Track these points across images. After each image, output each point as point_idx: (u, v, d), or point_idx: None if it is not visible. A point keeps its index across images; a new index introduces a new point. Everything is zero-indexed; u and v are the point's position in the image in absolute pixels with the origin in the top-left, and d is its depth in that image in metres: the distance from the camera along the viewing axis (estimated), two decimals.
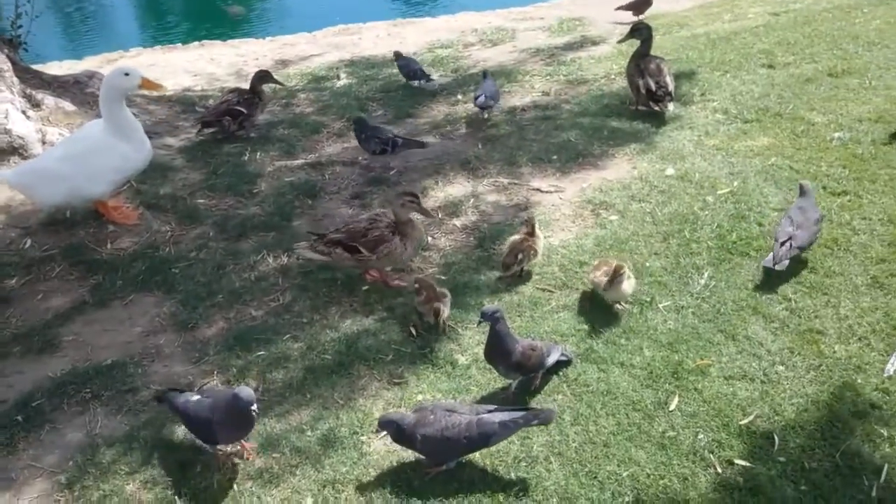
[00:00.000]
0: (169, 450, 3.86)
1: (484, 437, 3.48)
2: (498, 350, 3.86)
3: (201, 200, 6.14)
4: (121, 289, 5.11)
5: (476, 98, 7.28)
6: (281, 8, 17.92)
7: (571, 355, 4.24)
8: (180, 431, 3.96)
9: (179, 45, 11.99)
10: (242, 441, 3.78)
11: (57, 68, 10.13)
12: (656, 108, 7.04)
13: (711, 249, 5.11)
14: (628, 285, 4.54)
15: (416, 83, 8.49)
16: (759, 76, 7.82)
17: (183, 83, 9.80)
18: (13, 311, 4.99)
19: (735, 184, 5.82)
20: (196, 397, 3.73)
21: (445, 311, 4.54)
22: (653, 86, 7.03)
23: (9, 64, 6.61)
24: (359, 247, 4.80)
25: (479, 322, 3.92)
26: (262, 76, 7.24)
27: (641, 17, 10.63)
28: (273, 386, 4.22)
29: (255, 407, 3.48)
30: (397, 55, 8.78)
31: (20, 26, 7.77)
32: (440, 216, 5.76)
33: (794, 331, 4.36)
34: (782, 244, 4.66)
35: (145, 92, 7.12)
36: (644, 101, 7.13)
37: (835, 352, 4.19)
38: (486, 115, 7.41)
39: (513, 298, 4.82)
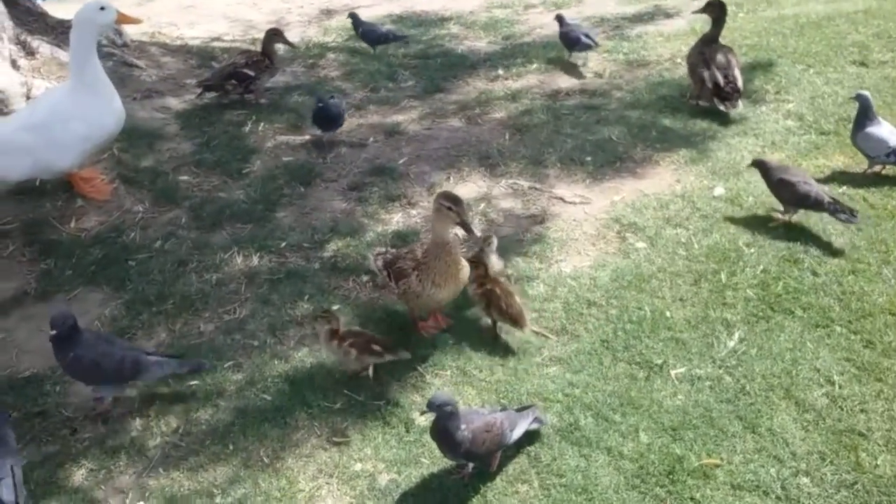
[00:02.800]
0: (58, 499, 3.31)
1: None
2: (443, 439, 3.14)
3: (184, 177, 5.52)
4: (69, 279, 4.57)
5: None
6: None
7: (545, 419, 3.50)
8: (78, 476, 3.41)
9: None
10: None
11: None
12: (721, 108, 6.04)
13: (749, 302, 4.22)
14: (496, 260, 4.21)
15: (581, 54, 7.26)
16: (847, 75, 6.68)
17: (215, 30, 9.18)
18: None
19: (794, 215, 4.86)
20: None
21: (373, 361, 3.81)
22: (721, 80, 6.04)
23: (2, 6, 6.05)
24: (390, 273, 4.02)
25: (423, 412, 3.19)
26: (273, 35, 6.51)
27: None
28: (195, 429, 3.62)
29: None
30: (559, 19, 7.39)
31: None
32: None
33: (831, 428, 3.49)
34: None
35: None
36: (708, 97, 6.14)
37: (877, 465, 3.32)
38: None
39: (497, 341, 4.07)
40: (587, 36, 7.12)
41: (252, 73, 6.37)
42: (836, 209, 4.61)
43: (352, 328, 3.92)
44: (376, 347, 3.78)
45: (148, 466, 3.42)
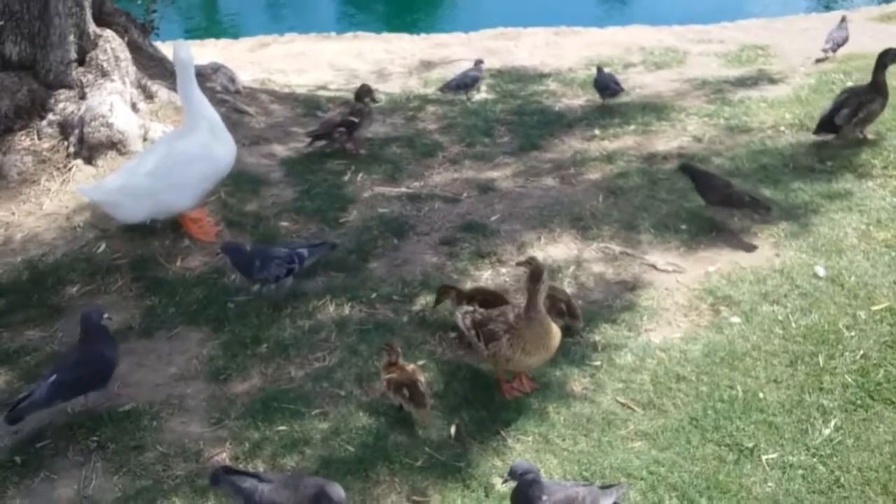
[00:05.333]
0: None
1: None
2: None
3: (284, 223, 5.73)
4: (171, 317, 4.79)
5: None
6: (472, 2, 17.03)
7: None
8: None
9: (334, 33, 11.78)
10: None
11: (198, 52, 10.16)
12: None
13: (847, 388, 4.07)
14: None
15: (613, 99, 7.92)
16: None
17: (322, 78, 9.56)
18: (62, 323, 4.80)
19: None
20: (269, 486, 3.25)
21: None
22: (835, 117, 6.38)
23: (126, 53, 6.48)
24: (479, 333, 4.06)
25: (505, 480, 3.19)
26: (365, 91, 6.76)
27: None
28: None
29: None
30: (598, 70, 8.17)
31: (154, 10, 7.68)
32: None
33: None
34: None
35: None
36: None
37: None
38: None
39: (582, 409, 4.04)
40: (615, 83, 7.88)
41: (357, 121, 6.61)
42: (754, 207, 5.34)
43: (408, 366, 4.03)
44: (405, 392, 3.89)
45: None
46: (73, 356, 4.03)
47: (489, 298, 4.52)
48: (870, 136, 6.61)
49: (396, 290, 5.00)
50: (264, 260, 4.70)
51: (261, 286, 4.86)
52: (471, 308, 4.36)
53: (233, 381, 4.31)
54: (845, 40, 9.25)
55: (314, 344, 4.56)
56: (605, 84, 7.85)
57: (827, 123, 6.47)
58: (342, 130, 6.67)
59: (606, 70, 8.30)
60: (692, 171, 5.65)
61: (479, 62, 8.67)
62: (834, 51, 9.17)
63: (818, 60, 9.13)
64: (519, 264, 4.51)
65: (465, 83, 8.38)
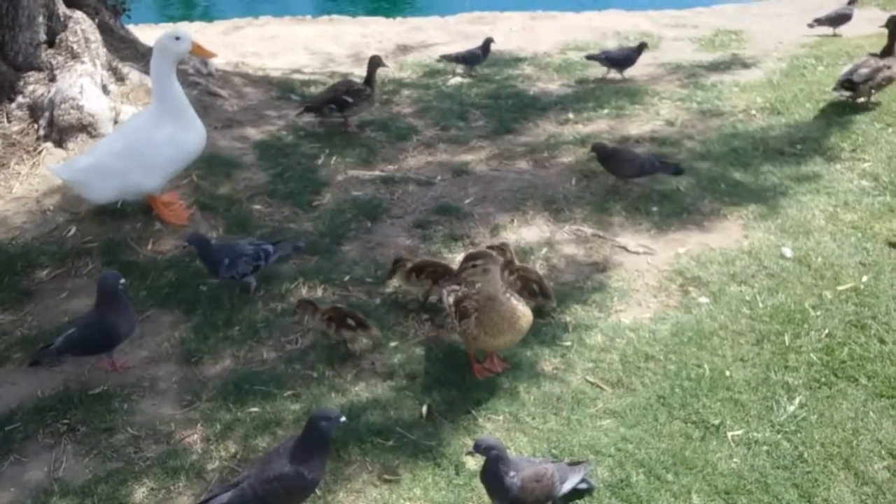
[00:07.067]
0: None
1: None
2: (492, 483, 3.18)
3: (257, 206, 5.71)
4: (143, 300, 4.76)
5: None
6: None
7: (593, 483, 3.48)
8: (139, 494, 3.54)
9: (309, 17, 11.70)
10: None
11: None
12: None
13: (812, 366, 4.14)
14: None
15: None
16: None
17: (296, 61, 9.50)
18: (32, 307, 4.76)
19: (864, 279, 4.76)
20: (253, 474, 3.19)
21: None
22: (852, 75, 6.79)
23: (97, 34, 6.40)
24: (457, 310, 4.07)
25: (471, 453, 3.23)
26: (375, 63, 6.84)
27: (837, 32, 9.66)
28: (252, 455, 3.72)
29: None
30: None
31: None
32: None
33: (891, 503, 3.39)
34: None
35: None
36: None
37: None
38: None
39: (552, 388, 4.08)
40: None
41: (350, 101, 6.60)
42: (665, 169, 5.66)
43: (333, 305, 4.36)
44: (351, 322, 4.19)
45: (205, 489, 3.52)
46: (87, 317, 4.13)
47: (438, 270, 4.58)
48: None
49: (369, 273, 5.02)
50: (233, 258, 4.63)
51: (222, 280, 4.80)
52: (456, 286, 4.35)
53: (204, 364, 4.31)
54: (841, 18, 9.56)
55: (286, 327, 4.56)
56: (627, 55, 8.34)
57: (846, 81, 6.82)
58: (332, 107, 6.68)
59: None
60: (602, 150, 5.79)
61: (489, 40, 8.78)
62: (828, 25, 9.63)
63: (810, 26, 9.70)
64: (490, 248, 4.54)
65: (470, 58, 8.64)
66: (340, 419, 3.20)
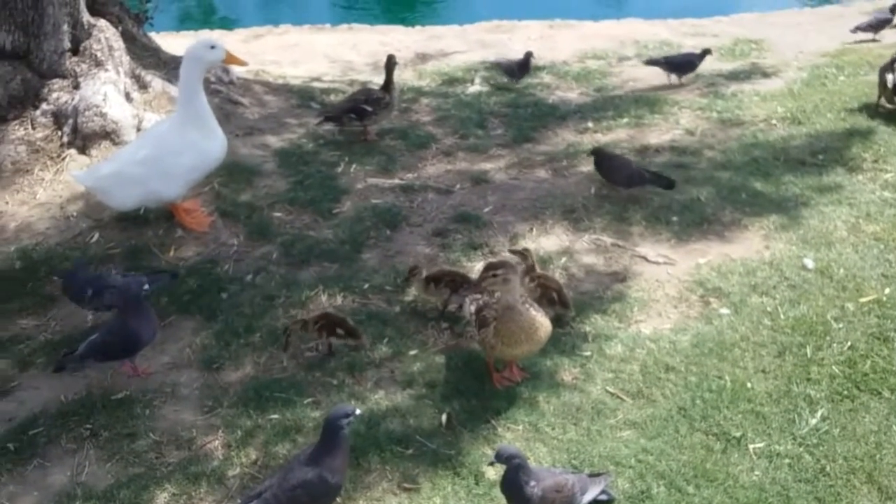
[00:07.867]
0: None
1: None
2: (512, 493, 3.17)
3: (278, 214, 5.74)
4: (165, 306, 4.80)
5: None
6: None
7: (613, 494, 3.47)
8: (160, 499, 3.57)
9: (328, 25, 11.77)
10: None
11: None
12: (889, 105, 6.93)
13: (835, 379, 4.11)
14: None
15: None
16: None
17: (316, 69, 9.55)
18: (56, 312, 4.82)
19: (886, 291, 4.72)
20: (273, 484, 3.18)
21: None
22: None
23: (120, 42, 6.48)
24: (477, 318, 4.09)
25: (491, 463, 3.24)
26: (393, 64, 6.91)
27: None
28: (272, 462, 3.74)
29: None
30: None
31: (149, 1, 7.67)
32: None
33: None
34: None
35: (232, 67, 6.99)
36: (889, 97, 6.92)
37: None
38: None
39: (572, 398, 4.07)
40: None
41: (370, 110, 6.64)
42: (656, 181, 5.66)
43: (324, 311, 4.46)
44: (339, 331, 4.30)
45: (226, 496, 3.55)
46: (110, 323, 4.20)
47: (457, 279, 4.59)
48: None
49: (389, 281, 5.03)
50: (98, 289, 4.40)
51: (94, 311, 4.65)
52: (478, 295, 4.36)
53: (225, 370, 4.34)
54: (882, 23, 9.63)
55: (307, 334, 4.58)
56: (689, 60, 8.28)
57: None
58: (352, 116, 6.71)
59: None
60: (598, 155, 5.91)
61: (528, 54, 8.64)
62: (870, 30, 9.65)
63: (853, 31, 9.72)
64: (512, 252, 4.57)
65: (511, 69, 8.59)
66: (356, 412, 3.25)
